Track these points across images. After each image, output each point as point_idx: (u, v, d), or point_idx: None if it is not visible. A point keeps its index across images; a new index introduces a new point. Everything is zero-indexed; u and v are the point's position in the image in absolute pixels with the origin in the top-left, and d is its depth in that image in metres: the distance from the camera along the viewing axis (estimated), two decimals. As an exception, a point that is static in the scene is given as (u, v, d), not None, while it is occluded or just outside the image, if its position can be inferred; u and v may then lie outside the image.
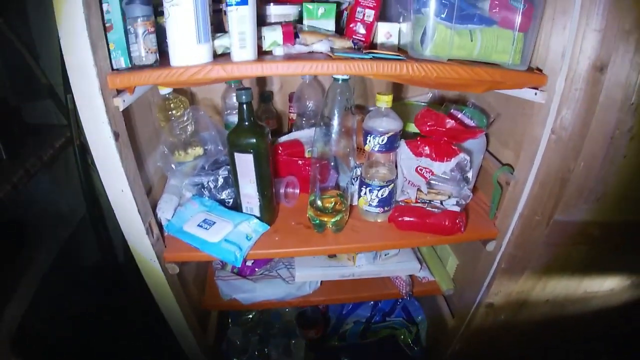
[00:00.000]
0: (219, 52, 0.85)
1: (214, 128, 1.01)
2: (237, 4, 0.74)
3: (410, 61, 0.79)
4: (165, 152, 0.99)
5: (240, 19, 0.75)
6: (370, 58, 0.78)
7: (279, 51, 0.82)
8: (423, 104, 1.21)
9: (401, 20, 0.93)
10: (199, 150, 1.04)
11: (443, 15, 0.82)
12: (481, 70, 0.83)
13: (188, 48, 0.77)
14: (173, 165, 0.99)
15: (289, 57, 0.79)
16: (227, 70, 0.77)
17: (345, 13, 0.97)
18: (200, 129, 1.04)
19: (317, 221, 0.96)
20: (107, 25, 0.81)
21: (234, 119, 1.15)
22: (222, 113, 1.22)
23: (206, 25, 0.77)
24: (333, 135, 0.92)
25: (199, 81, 0.78)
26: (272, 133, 1.13)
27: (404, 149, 0.95)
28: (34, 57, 1.43)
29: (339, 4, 0.97)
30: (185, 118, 1.01)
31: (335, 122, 0.90)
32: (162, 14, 0.79)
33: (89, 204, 1.54)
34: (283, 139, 1.09)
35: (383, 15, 0.96)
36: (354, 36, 0.88)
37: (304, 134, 1.08)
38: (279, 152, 1.04)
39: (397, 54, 0.80)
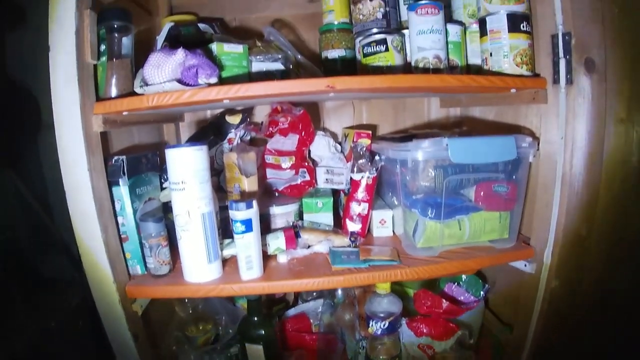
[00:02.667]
0: (227, 257, 0.91)
1: (225, 312, 1.07)
2: (243, 232, 0.81)
3: (402, 267, 0.85)
4: (178, 336, 1.04)
5: (246, 245, 0.82)
6: (367, 267, 0.85)
7: (282, 258, 0.89)
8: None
9: (395, 203, 1.00)
10: (209, 326, 1.09)
11: (431, 215, 0.89)
12: (470, 262, 0.90)
13: (200, 268, 0.84)
14: (186, 346, 1.04)
15: (292, 273, 0.86)
16: (236, 289, 0.84)
17: (342, 195, 1.04)
18: (211, 306, 1.09)
19: (327, 401, 1.00)
20: (122, 236, 0.89)
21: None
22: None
23: (215, 246, 0.85)
24: (337, 310, 0.97)
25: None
26: (279, 300, 1.18)
27: (405, 329, 1.00)
28: (48, 211, 1.50)
29: (335, 191, 1.04)
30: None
31: (339, 300, 0.96)
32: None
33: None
34: (291, 312, 1.14)
35: (377, 190, 1.03)
36: (351, 231, 0.95)
37: (309, 307, 1.13)
38: (287, 328, 1.09)
39: (391, 258, 0.87)
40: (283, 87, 0.77)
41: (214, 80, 0.80)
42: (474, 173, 0.90)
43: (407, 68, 0.94)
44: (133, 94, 0.84)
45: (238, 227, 0.81)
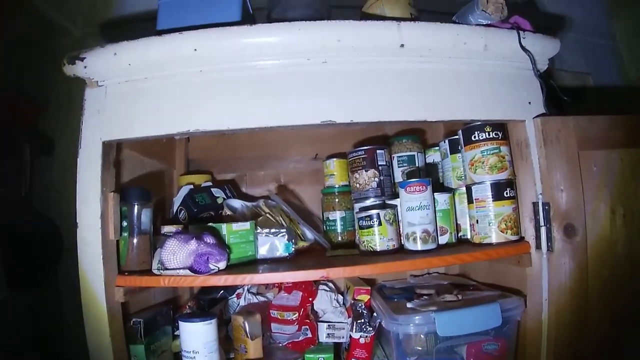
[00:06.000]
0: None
1: None
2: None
3: None
4: None
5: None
6: None
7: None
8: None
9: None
10: None
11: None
12: None
13: None
14: None
15: None
16: None
17: (343, 346, 1.11)
18: None
19: None
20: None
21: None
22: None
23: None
24: None
25: None
26: None
27: None
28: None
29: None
30: None
31: None
32: None
33: None
34: None
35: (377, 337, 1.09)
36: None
37: None
38: None
39: None
40: (284, 276, 0.87)
41: (222, 265, 0.89)
42: (464, 337, 0.97)
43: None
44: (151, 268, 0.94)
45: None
